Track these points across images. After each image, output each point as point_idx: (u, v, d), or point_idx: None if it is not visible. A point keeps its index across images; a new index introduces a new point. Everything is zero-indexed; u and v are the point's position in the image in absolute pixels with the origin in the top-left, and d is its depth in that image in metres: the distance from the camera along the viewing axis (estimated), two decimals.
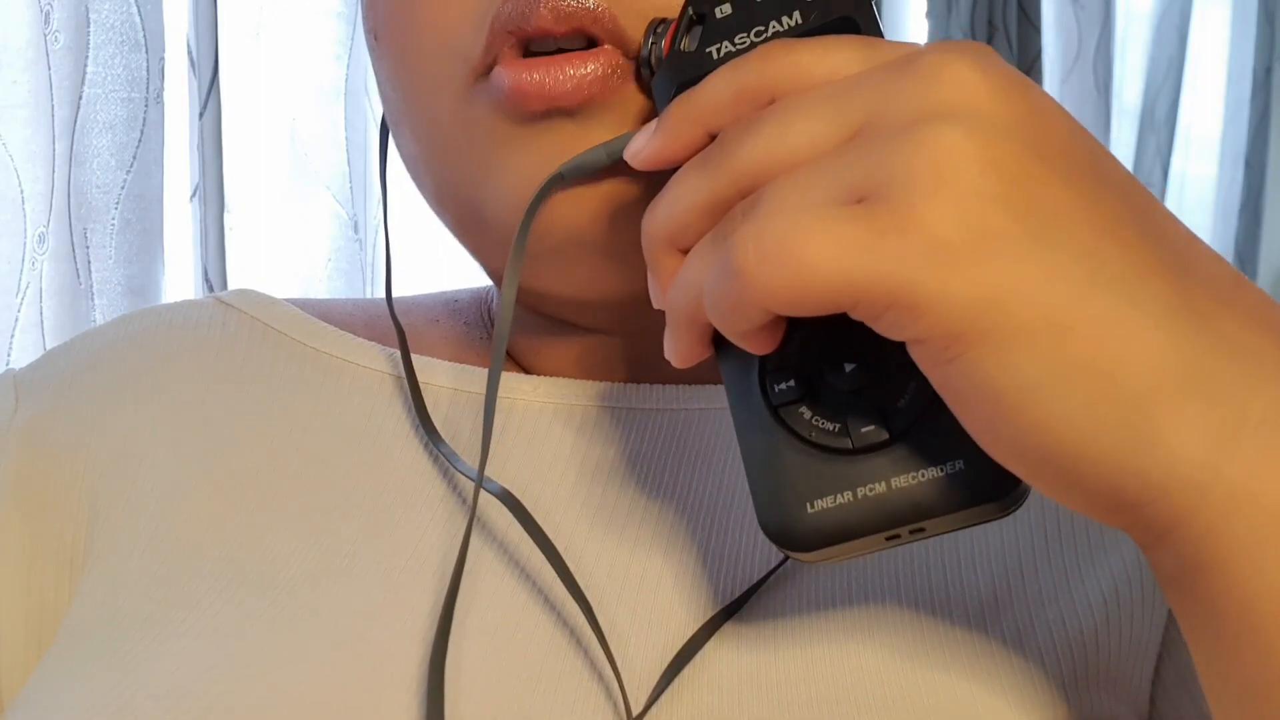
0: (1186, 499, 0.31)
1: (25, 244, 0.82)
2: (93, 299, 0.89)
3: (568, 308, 0.49)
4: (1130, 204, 0.33)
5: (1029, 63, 1.75)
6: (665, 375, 0.49)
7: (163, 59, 0.92)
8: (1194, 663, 0.34)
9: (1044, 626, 0.43)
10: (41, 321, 0.84)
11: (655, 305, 0.37)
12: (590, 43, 0.42)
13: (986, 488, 0.34)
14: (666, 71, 0.40)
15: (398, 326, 0.50)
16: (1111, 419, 0.30)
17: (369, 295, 1.10)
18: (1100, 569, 0.45)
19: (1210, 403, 0.31)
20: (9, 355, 0.82)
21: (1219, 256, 0.34)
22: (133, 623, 0.42)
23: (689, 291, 0.35)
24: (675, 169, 0.37)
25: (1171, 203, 2.12)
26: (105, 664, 0.41)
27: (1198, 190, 2.21)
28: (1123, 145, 2.02)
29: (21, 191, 0.82)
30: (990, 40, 1.70)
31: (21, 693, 0.44)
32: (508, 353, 0.52)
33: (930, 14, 1.69)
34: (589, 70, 0.42)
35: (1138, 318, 0.31)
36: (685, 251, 0.36)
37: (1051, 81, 1.85)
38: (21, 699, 0.43)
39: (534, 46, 0.43)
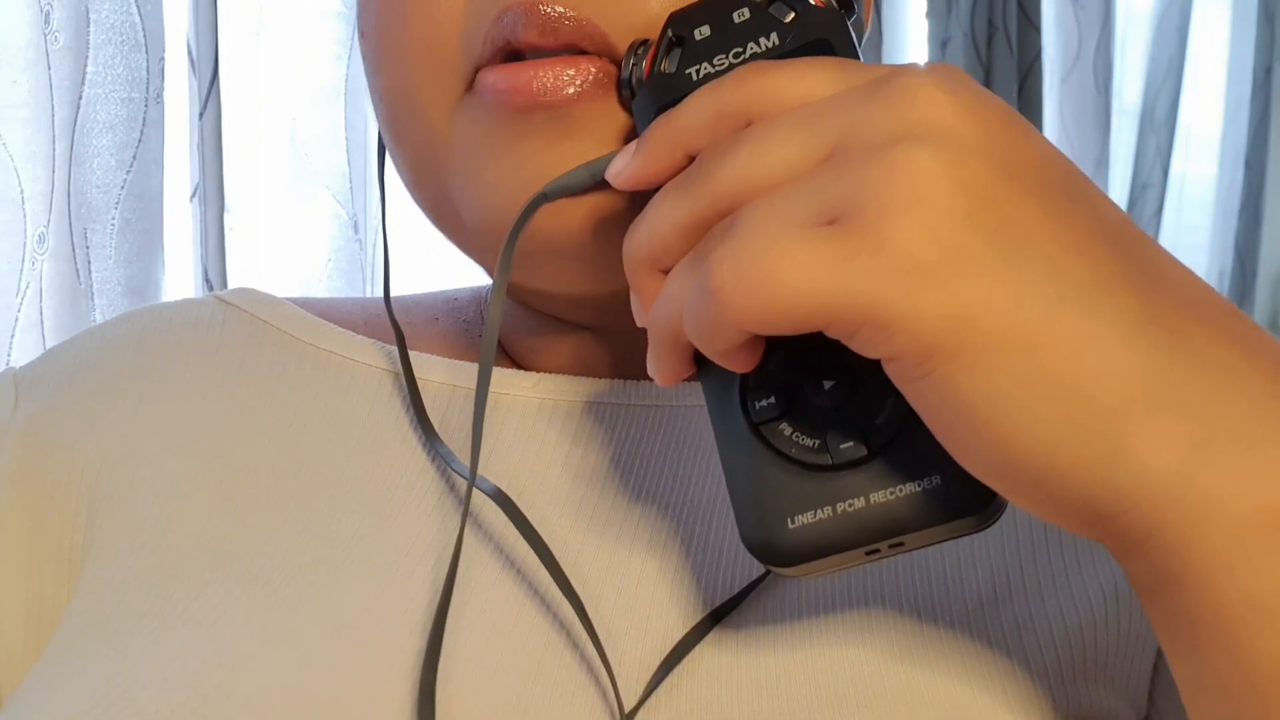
0: (1158, 510, 0.31)
1: (25, 244, 0.82)
2: (93, 299, 0.89)
3: (560, 304, 0.49)
4: (1100, 220, 0.33)
5: (1029, 63, 1.74)
6: None
7: (163, 59, 0.92)
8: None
9: (1043, 621, 0.43)
10: (41, 321, 0.84)
11: (638, 324, 0.38)
12: (580, 53, 0.43)
13: (963, 502, 0.34)
14: (646, 93, 0.41)
15: (396, 328, 0.50)
16: (1083, 432, 0.31)
17: (369, 295, 1.11)
18: (1100, 564, 0.46)
19: (1180, 415, 0.31)
20: (9, 355, 0.82)
21: (1189, 271, 0.34)
22: (131, 615, 0.43)
23: (670, 311, 0.35)
24: (656, 188, 0.38)
25: (1171, 203, 2.12)
26: (103, 655, 0.41)
27: (1198, 190, 2.21)
28: (1123, 145, 2.02)
29: (21, 191, 0.82)
30: (990, 40, 1.70)
31: (20, 686, 0.44)
32: (504, 351, 0.53)
33: (930, 14, 1.69)
34: (573, 74, 0.42)
35: (1106, 332, 0.31)
36: (666, 271, 0.37)
37: (1051, 81, 1.85)
38: (20, 692, 0.43)
39: (525, 55, 0.43)
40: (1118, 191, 2.01)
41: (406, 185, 0.50)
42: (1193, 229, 2.20)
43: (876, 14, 1.58)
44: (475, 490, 0.45)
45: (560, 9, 0.42)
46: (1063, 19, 1.87)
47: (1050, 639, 0.43)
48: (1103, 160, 1.90)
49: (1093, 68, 1.88)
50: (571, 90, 0.42)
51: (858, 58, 0.39)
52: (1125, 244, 0.33)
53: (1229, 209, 2.23)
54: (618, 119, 0.43)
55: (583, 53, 0.43)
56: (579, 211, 0.44)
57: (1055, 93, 1.86)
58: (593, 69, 0.42)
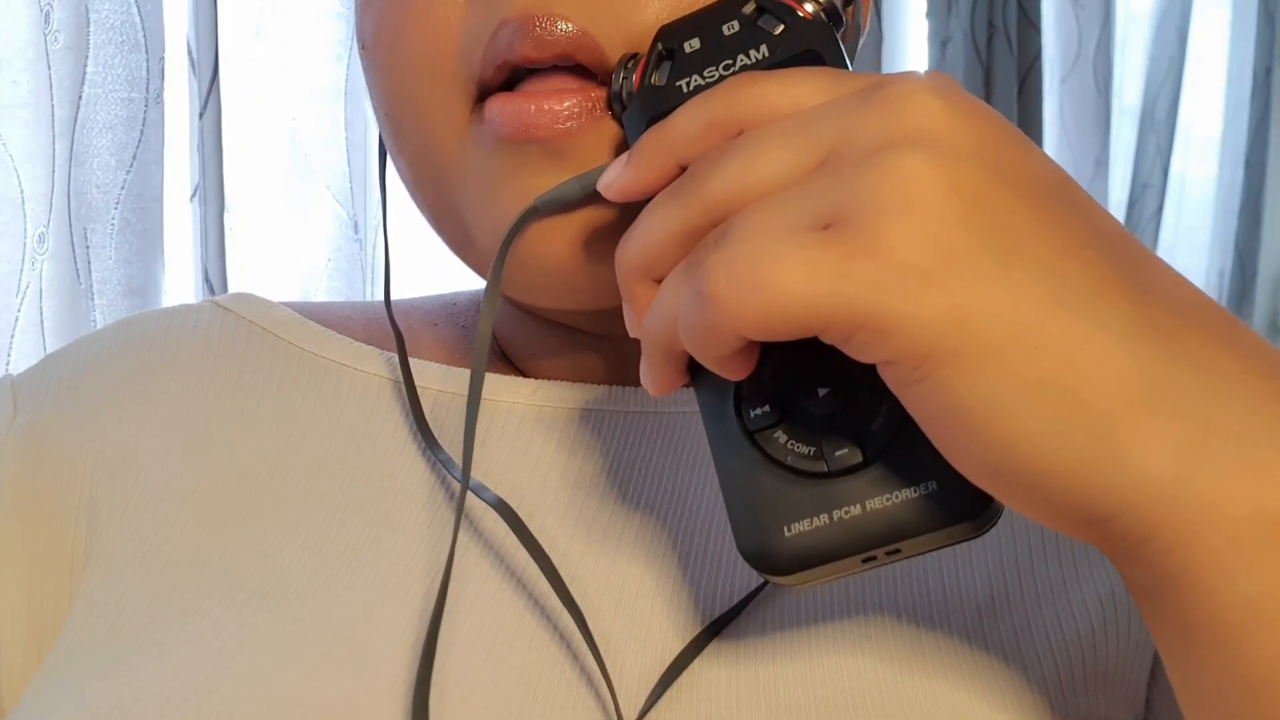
0: (1154, 512, 0.31)
1: (25, 244, 0.82)
2: (93, 299, 0.89)
3: (557, 315, 0.50)
4: (1091, 224, 0.33)
5: (1029, 63, 1.74)
6: None
7: (163, 59, 0.92)
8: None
9: (1041, 629, 0.43)
10: (41, 322, 0.84)
11: (631, 334, 0.38)
12: (577, 66, 0.43)
13: (959, 507, 0.34)
14: (637, 105, 0.41)
15: (396, 333, 0.50)
16: (1078, 435, 0.31)
17: (369, 296, 1.11)
18: (1097, 572, 0.46)
19: (1175, 417, 0.31)
20: (9, 356, 0.82)
21: (1181, 276, 0.35)
22: (133, 630, 0.43)
23: (664, 320, 0.35)
24: (648, 200, 0.38)
25: (1171, 203, 2.12)
26: (105, 671, 0.41)
27: (1198, 190, 2.21)
28: (1123, 145, 2.02)
29: (21, 191, 0.82)
30: (990, 40, 1.70)
31: (22, 700, 0.44)
32: (504, 355, 0.53)
33: (930, 14, 1.69)
34: (565, 107, 0.43)
35: (1101, 335, 0.31)
36: (659, 281, 0.37)
37: (1051, 81, 1.85)
38: (22, 705, 0.43)
39: (524, 75, 0.44)
40: (1118, 191, 2.01)
41: (409, 192, 0.50)
42: (1193, 229, 2.20)
43: (876, 14, 1.58)
44: (473, 500, 0.45)
45: (555, 25, 0.42)
46: (1063, 19, 1.87)
47: (1049, 647, 0.43)
48: (1103, 160, 1.90)
49: (1093, 68, 1.88)
50: (562, 125, 0.43)
51: (847, 68, 0.39)
52: (1118, 249, 0.33)
53: (1229, 209, 2.23)
54: (611, 145, 0.43)
55: (576, 67, 0.43)
56: (569, 231, 0.44)
57: (1055, 93, 1.86)
58: (582, 99, 0.43)
